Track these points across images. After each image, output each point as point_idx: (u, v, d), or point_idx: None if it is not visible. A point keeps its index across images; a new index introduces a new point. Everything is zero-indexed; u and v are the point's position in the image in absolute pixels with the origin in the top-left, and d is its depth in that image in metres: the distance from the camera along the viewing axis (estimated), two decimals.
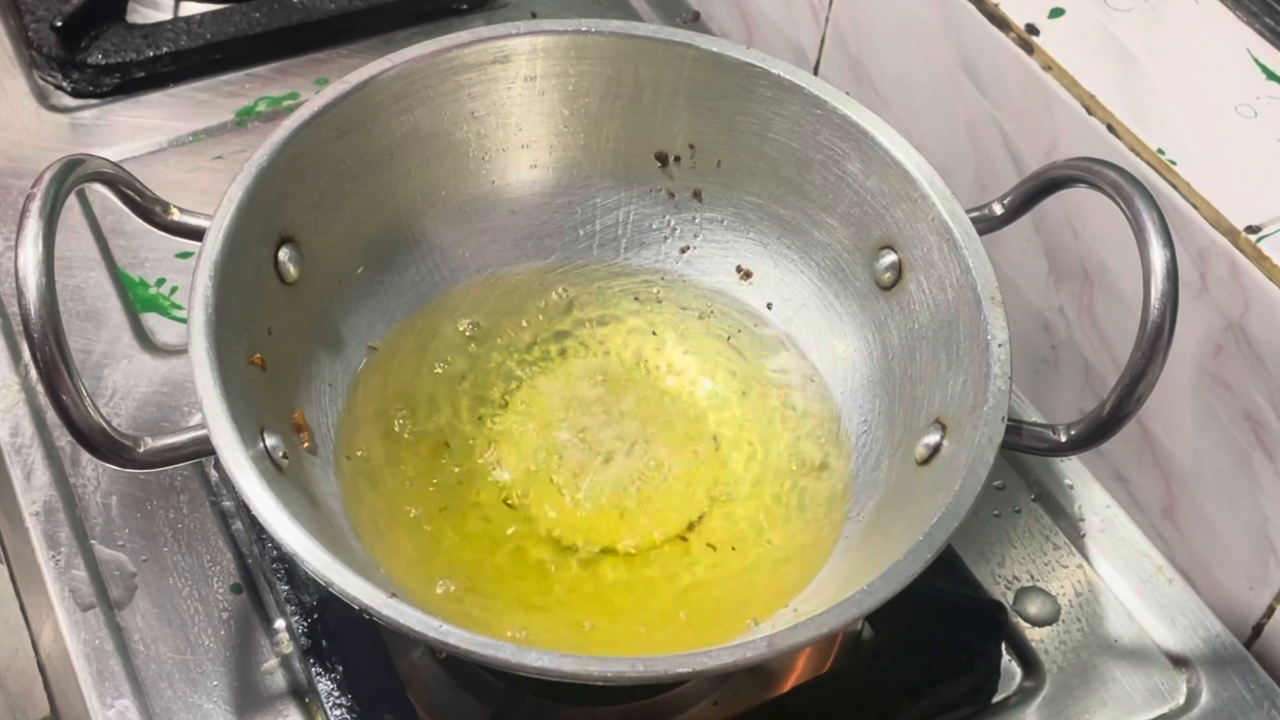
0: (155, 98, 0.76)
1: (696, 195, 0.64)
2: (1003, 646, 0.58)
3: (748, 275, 0.64)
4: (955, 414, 0.52)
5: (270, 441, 0.49)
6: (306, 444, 0.53)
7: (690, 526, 0.56)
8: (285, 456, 0.50)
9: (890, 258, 0.58)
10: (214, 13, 0.78)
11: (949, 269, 0.54)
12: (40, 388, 0.55)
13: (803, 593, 0.53)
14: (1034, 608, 0.60)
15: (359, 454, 0.56)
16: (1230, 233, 0.54)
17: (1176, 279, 0.47)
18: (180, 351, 0.64)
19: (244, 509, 0.58)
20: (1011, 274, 0.66)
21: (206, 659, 0.55)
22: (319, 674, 0.53)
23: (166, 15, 0.80)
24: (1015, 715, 0.57)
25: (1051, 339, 0.66)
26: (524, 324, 0.62)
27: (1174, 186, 0.56)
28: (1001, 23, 0.62)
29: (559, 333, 0.62)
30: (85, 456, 0.59)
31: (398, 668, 0.54)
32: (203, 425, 0.46)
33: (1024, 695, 0.57)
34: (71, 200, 0.66)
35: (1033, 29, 0.61)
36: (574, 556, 0.55)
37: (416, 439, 0.58)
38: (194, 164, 0.73)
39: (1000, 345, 0.51)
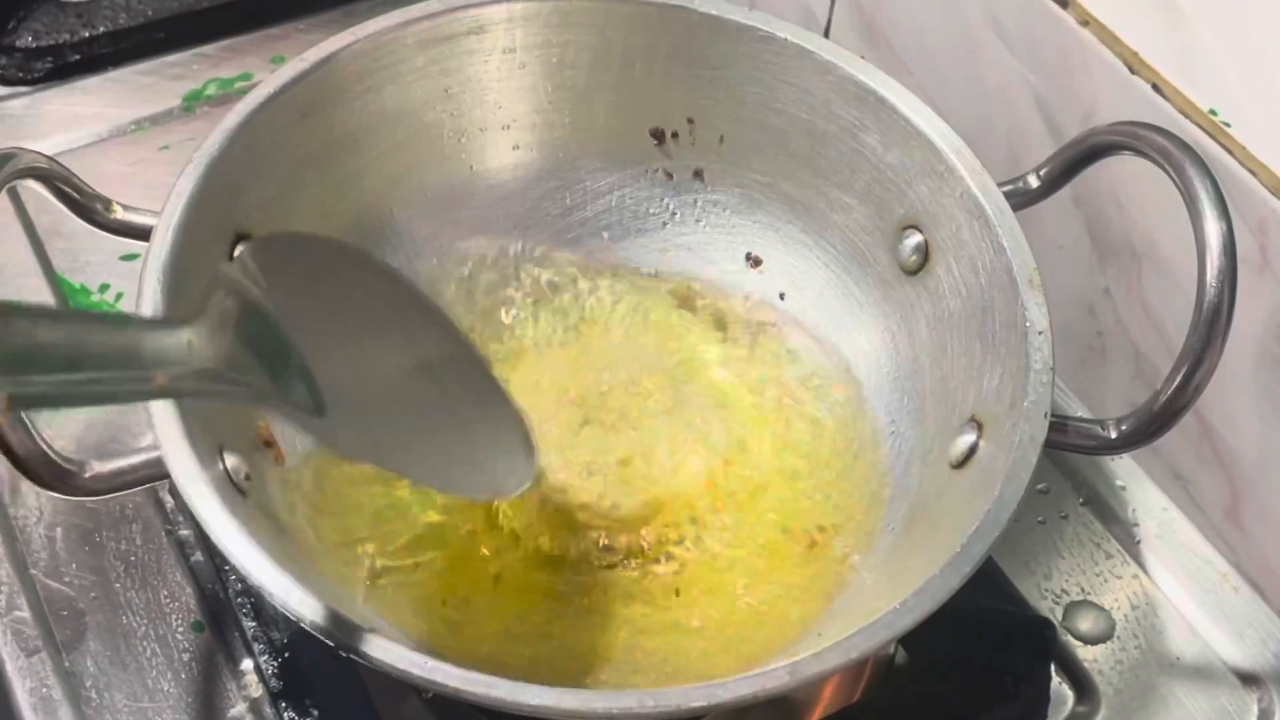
0: (92, 83, 0.76)
1: (698, 175, 0.64)
2: (1052, 668, 0.58)
3: (757, 262, 0.64)
4: (992, 411, 0.52)
5: (231, 462, 0.49)
6: (277, 458, 0.53)
7: (695, 537, 0.56)
8: (248, 478, 0.49)
9: (915, 239, 0.58)
10: None
11: (981, 250, 0.54)
12: None
13: (827, 614, 0.53)
14: (1085, 624, 0.60)
15: (333, 469, 0.56)
16: None
17: (1234, 254, 0.47)
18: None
19: (204, 538, 0.58)
20: (1050, 254, 0.66)
21: (167, 706, 0.55)
22: (292, 719, 0.53)
23: None
24: None
25: (1097, 325, 0.66)
26: (509, 320, 0.62)
27: (1228, 151, 0.56)
28: None
29: (550, 329, 0.62)
30: (26, 485, 0.59)
31: (379, 710, 0.54)
32: (155, 446, 0.46)
33: None
34: (2, 199, 0.66)
35: None
36: (571, 576, 0.55)
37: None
38: (138, 155, 0.73)
39: (1040, 333, 0.51)
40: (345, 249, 0.48)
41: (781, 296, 0.63)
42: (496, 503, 0.56)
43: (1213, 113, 0.56)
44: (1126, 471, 0.65)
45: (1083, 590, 0.61)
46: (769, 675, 0.43)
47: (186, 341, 0.36)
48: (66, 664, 0.55)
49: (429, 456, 0.45)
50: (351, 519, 0.55)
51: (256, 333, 0.38)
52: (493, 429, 0.48)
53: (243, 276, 0.39)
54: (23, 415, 0.44)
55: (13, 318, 0.32)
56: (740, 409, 0.61)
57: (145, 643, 0.56)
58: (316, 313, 0.42)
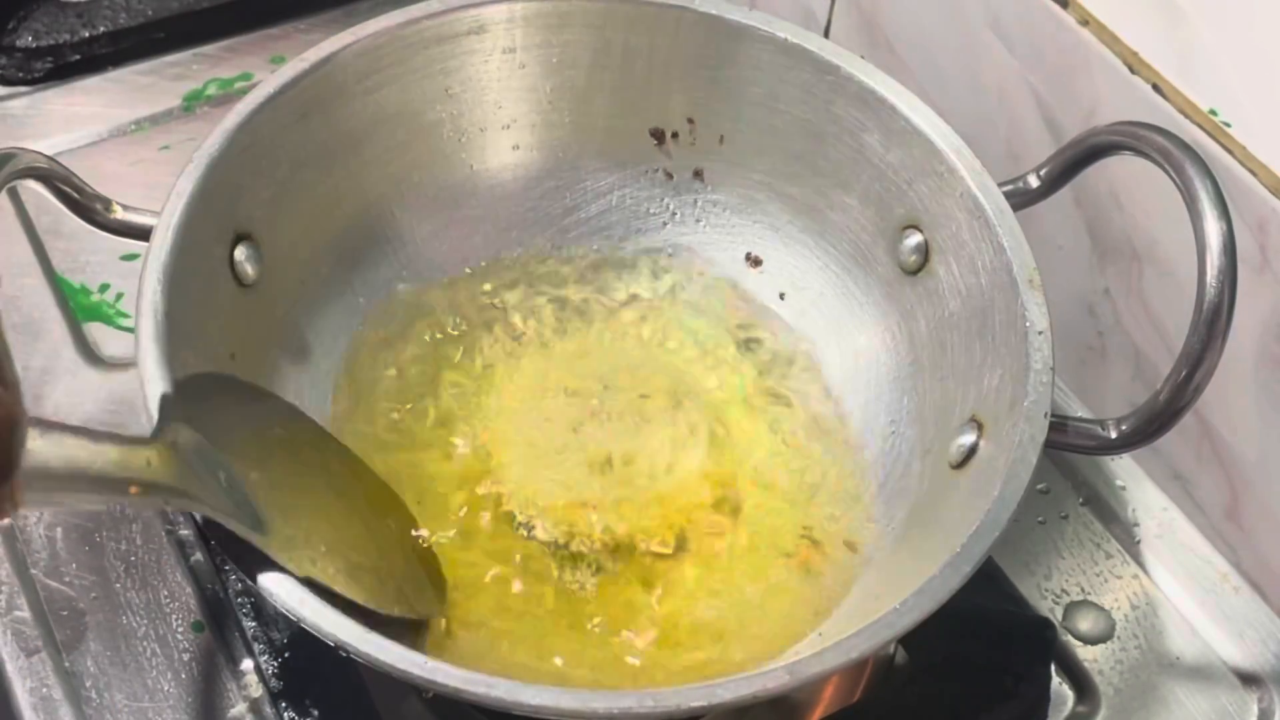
0: (93, 83, 0.76)
1: (698, 175, 0.64)
2: (1052, 668, 0.58)
3: (757, 263, 0.64)
4: (992, 411, 0.52)
5: None
6: None
7: (694, 537, 0.56)
8: None
9: (915, 239, 0.58)
10: None
11: (981, 250, 0.54)
12: None
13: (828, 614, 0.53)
14: (1086, 624, 0.60)
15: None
16: None
17: (1234, 254, 0.47)
18: (128, 364, 0.64)
19: (203, 538, 0.58)
20: (1050, 253, 0.66)
21: (166, 705, 0.55)
22: (292, 719, 0.53)
23: None
24: None
25: (1097, 325, 0.66)
26: (511, 321, 0.62)
27: (1229, 151, 0.56)
28: None
29: (550, 329, 0.62)
30: None
31: (379, 710, 0.54)
32: None
33: None
34: (2, 200, 0.66)
35: None
36: (572, 575, 0.55)
37: (397, 448, 0.58)
38: (138, 155, 0.73)
39: (1040, 333, 0.51)
40: (262, 393, 0.54)
41: (781, 296, 0.63)
42: (497, 504, 0.56)
43: (1213, 113, 0.56)
44: (1126, 471, 0.65)
45: (1083, 590, 0.61)
46: (769, 675, 0.43)
47: (146, 460, 0.41)
48: (66, 664, 0.55)
49: (358, 577, 0.48)
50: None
51: (204, 458, 0.44)
52: (408, 556, 0.54)
53: (189, 399, 0.46)
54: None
55: (35, 443, 0.37)
56: (740, 409, 0.61)
57: (145, 643, 0.56)
58: (250, 445, 0.48)
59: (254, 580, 0.44)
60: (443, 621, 0.53)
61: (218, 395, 0.50)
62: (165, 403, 0.45)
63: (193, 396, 0.46)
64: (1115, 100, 0.60)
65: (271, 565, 0.44)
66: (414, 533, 0.55)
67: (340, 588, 0.45)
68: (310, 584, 0.44)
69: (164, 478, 0.42)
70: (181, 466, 0.43)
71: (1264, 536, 0.61)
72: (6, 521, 0.38)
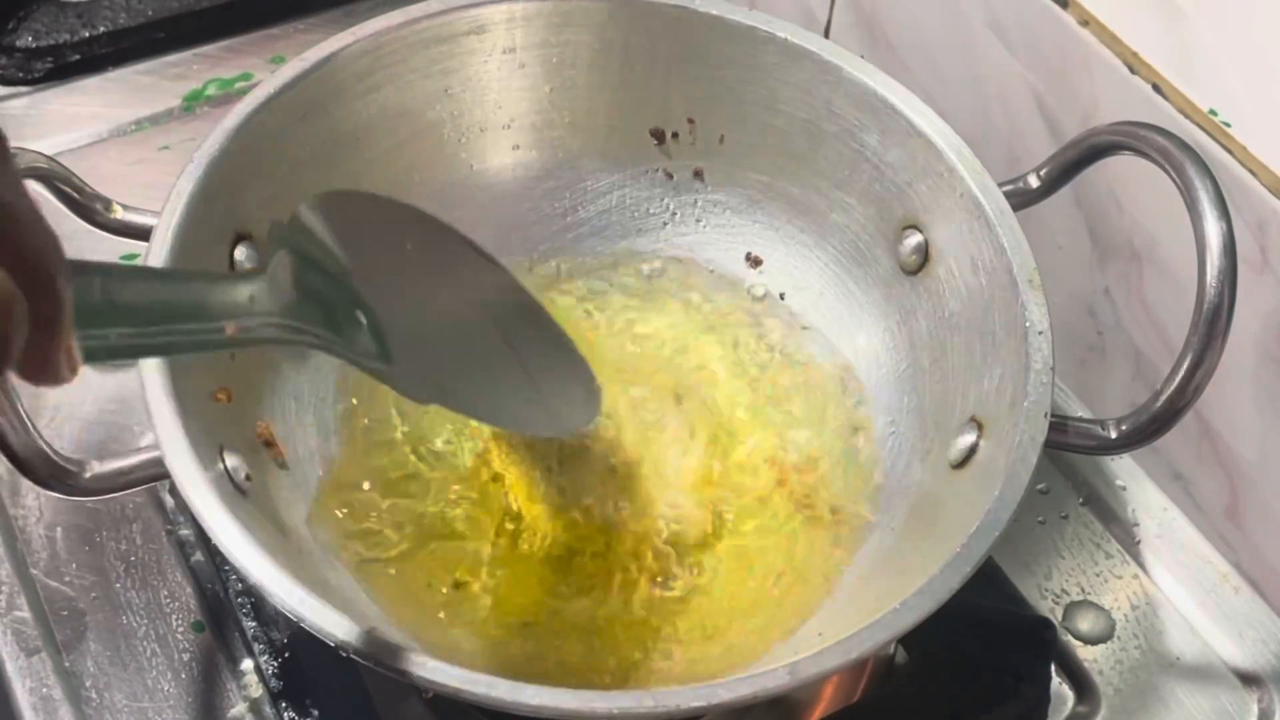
0: (92, 83, 0.76)
1: (698, 175, 0.64)
2: (1052, 668, 0.58)
3: (758, 262, 0.64)
4: (992, 411, 0.52)
5: (231, 462, 0.49)
6: (276, 457, 0.53)
7: (693, 537, 0.56)
8: (248, 478, 0.50)
9: (915, 239, 0.58)
10: None
11: (981, 250, 0.54)
12: None
13: (826, 613, 0.53)
14: (1086, 624, 0.60)
15: (338, 472, 0.56)
16: None
17: (1234, 254, 0.47)
18: (129, 364, 0.64)
19: (204, 538, 0.58)
20: (1050, 254, 0.66)
21: (167, 705, 0.55)
22: (292, 719, 0.53)
23: None
24: None
25: (1097, 325, 0.66)
26: None
27: (1229, 151, 0.56)
28: None
29: None
30: (25, 484, 0.59)
31: (379, 710, 0.54)
32: (155, 446, 0.46)
33: None
34: None
35: None
36: (573, 574, 0.55)
37: (397, 450, 0.58)
38: (138, 156, 0.73)
39: (1040, 333, 0.51)
40: (403, 207, 0.50)
41: (781, 296, 0.63)
42: (498, 503, 0.56)
43: (1213, 113, 0.56)
44: (1126, 471, 0.65)
45: (1083, 590, 0.61)
46: (769, 675, 0.43)
47: (249, 296, 0.39)
48: (66, 664, 0.56)
49: (494, 398, 0.46)
50: (355, 518, 0.55)
51: (318, 285, 0.40)
52: (555, 370, 0.50)
53: (299, 232, 0.41)
54: (23, 415, 0.44)
55: (93, 276, 0.34)
56: (740, 409, 0.61)
57: (145, 643, 0.56)
58: (378, 264, 0.44)
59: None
60: (441, 614, 0.53)
61: (341, 211, 0.45)
62: (274, 231, 0.42)
63: (309, 217, 0.43)
64: (1115, 100, 0.60)
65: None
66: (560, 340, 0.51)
67: (473, 414, 0.43)
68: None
69: (269, 314, 0.39)
70: (288, 300, 0.40)
71: (1264, 536, 0.61)
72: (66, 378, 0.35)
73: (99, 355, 0.35)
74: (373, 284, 0.42)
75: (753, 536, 0.57)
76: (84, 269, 0.34)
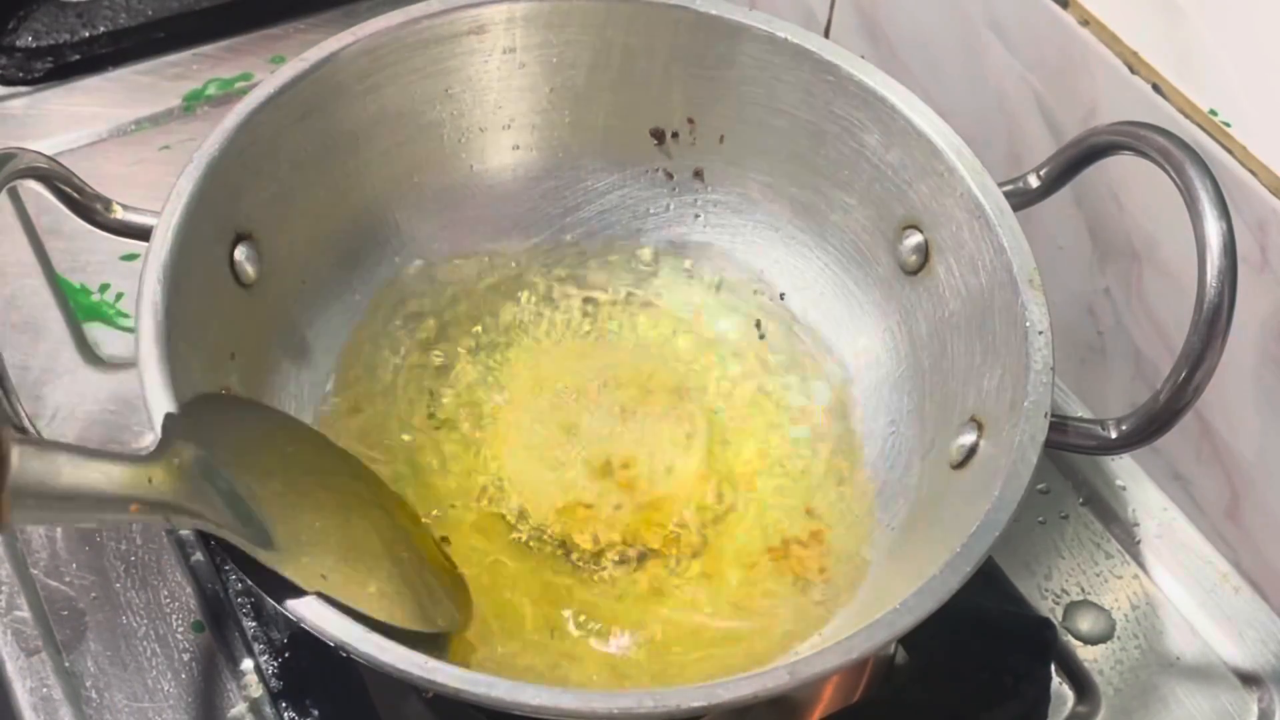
0: (92, 83, 0.76)
1: (698, 175, 0.64)
2: (1052, 668, 0.58)
3: (757, 263, 0.64)
4: (992, 411, 0.52)
5: None
6: None
7: (693, 538, 0.56)
8: None
9: (915, 239, 0.58)
10: None
11: (981, 249, 0.54)
12: None
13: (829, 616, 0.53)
14: (1086, 624, 0.60)
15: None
16: None
17: (1234, 254, 0.47)
18: (128, 364, 0.64)
19: (204, 538, 0.58)
20: (1051, 253, 0.66)
21: (167, 705, 0.55)
22: (292, 719, 0.53)
23: None
24: None
25: (1097, 324, 0.66)
26: (509, 320, 0.62)
27: (1229, 151, 0.56)
28: None
29: (549, 328, 0.62)
30: None
31: (379, 710, 0.54)
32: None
33: None
34: (2, 199, 0.66)
35: None
36: (570, 575, 0.55)
37: (398, 450, 0.58)
38: (138, 155, 0.73)
39: (1040, 333, 0.51)
40: (271, 412, 0.54)
41: (781, 296, 0.63)
42: (494, 504, 0.57)
43: (1213, 113, 0.56)
44: (1126, 471, 0.65)
45: (1083, 590, 0.61)
46: (769, 675, 0.43)
47: (148, 479, 0.41)
48: (66, 664, 0.55)
49: (373, 590, 0.48)
50: None
51: (208, 472, 0.43)
52: (421, 570, 0.52)
53: (193, 422, 0.45)
54: (23, 415, 0.44)
55: (31, 459, 0.38)
56: (739, 409, 0.61)
57: (145, 643, 0.56)
58: (255, 461, 0.48)
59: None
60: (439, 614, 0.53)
61: (222, 413, 0.50)
62: (169, 421, 0.45)
63: (197, 414, 0.46)
64: (1115, 100, 0.60)
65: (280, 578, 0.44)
66: (427, 543, 0.54)
67: (352, 602, 0.45)
68: (322, 598, 0.44)
69: (167, 495, 0.42)
70: (185, 483, 0.42)
71: (1264, 536, 0.61)
72: None
73: (21, 520, 0.38)
74: (253, 476, 0.46)
75: (751, 540, 0.57)
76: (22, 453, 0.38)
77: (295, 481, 0.49)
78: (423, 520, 0.55)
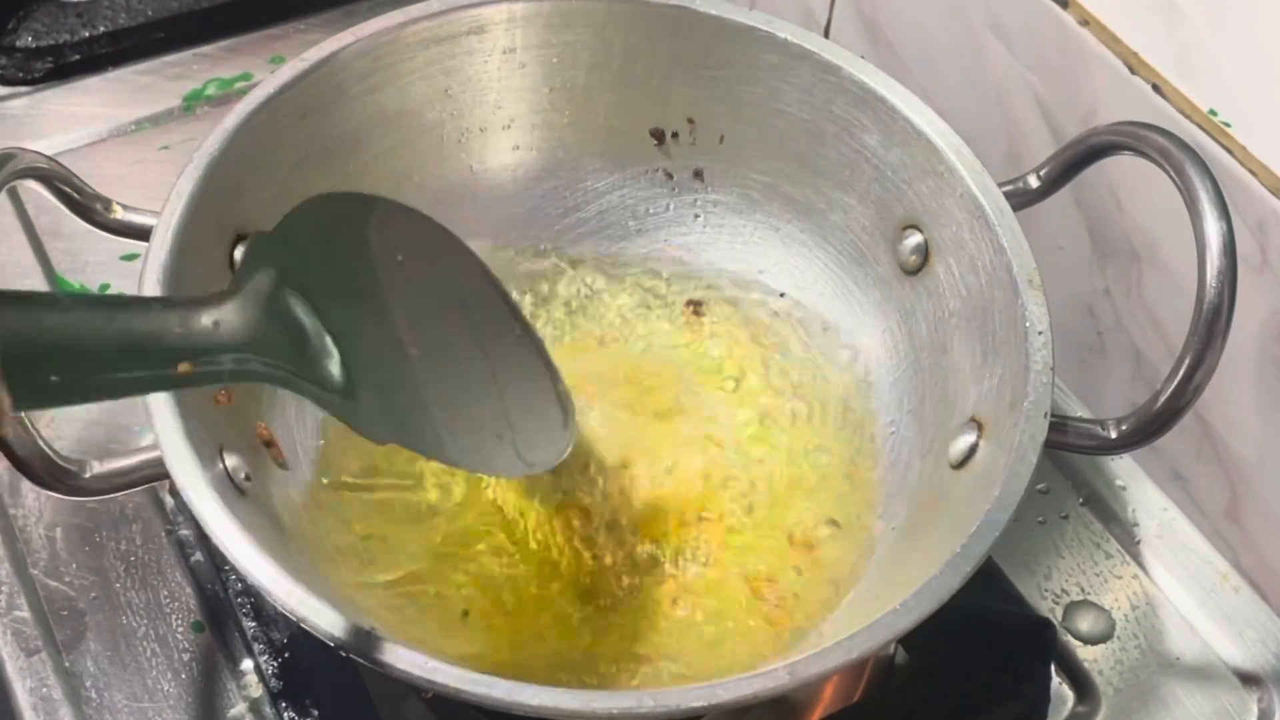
0: (92, 83, 0.76)
1: (698, 175, 0.64)
2: (1052, 668, 0.58)
3: (757, 263, 0.64)
4: (992, 411, 0.52)
5: (231, 462, 0.49)
6: (277, 458, 0.53)
7: (693, 538, 0.56)
8: (248, 478, 0.49)
9: (915, 239, 0.58)
10: None
11: (981, 250, 0.54)
12: None
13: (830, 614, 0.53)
14: (1086, 624, 0.60)
15: (338, 472, 0.56)
16: None
17: (1234, 254, 0.47)
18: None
19: (204, 538, 0.58)
20: (1050, 254, 0.66)
21: (166, 705, 0.55)
22: (292, 719, 0.53)
23: None
24: None
25: (1097, 325, 0.66)
26: None
27: (1229, 151, 0.56)
28: None
29: (549, 329, 0.62)
30: (25, 485, 0.59)
31: (379, 710, 0.54)
32: (155, 446, 0.46)
33: None
34: (2, 199, 0.66)
35: None
36: (570, 578, 0.55)
37: (398, 450, 0.58)
38: (138, 155, 0.73)
39: (1040, 333, 0.51)
40: (401, 209, 0.47)
41: (781, 296, 0.63)
42: (500, 504, 0.56)
43: (1213, 113, 0.56)
44: (1126, 471, 0.65)
45: (1083, 590, 0.61)
46: (769, 675, 0.43)
47: (213, 323, 0.36)
48: (66, 664, 0.55)
49: (462, 435, 0.43)
50: (355, 522, 0.55)
51: (286, 310, 0.38)
52: (532, 401, 0.47)
53: (283, 243, 0.39)
54: (23, 415, 0.44)
55: (19, 308, 0.30)
56: (739, 410, 0.61)
57: (145, 643, 0.56)
58: (364, 279, 0.41)
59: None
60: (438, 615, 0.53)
61: (332, 218, 0.43)
62: (255, 245, 0.39)
63: (300, 223, 0.40)
64: (1115, 100, 0.60)
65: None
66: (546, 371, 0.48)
67: (433, 454, 0.41)
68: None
69: (234, 339, 0.36)
70: (258, 324, 0.37)
71: (1264, 536, 0.61)
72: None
73: (31, 400, 0.32)
74: (353, 304, 0.40)
75: (751, 540, 0.57)
76: (5, 300, 0.31)
77: (405, 300, 0.43)
78: (544, 349, 0.50)
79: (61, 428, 0.62)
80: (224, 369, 0.37)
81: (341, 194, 0.47)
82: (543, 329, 0.63)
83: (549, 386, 0.49)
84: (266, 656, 0.55)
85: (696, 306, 0.64)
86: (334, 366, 0.39)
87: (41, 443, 0.44)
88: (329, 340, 0.39)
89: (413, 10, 0.58)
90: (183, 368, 0.35)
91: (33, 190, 0.50)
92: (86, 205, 0.51)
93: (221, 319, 0.36)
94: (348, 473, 0.56)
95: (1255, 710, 0.58)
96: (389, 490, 0.57)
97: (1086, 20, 0.60)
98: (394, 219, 0.46)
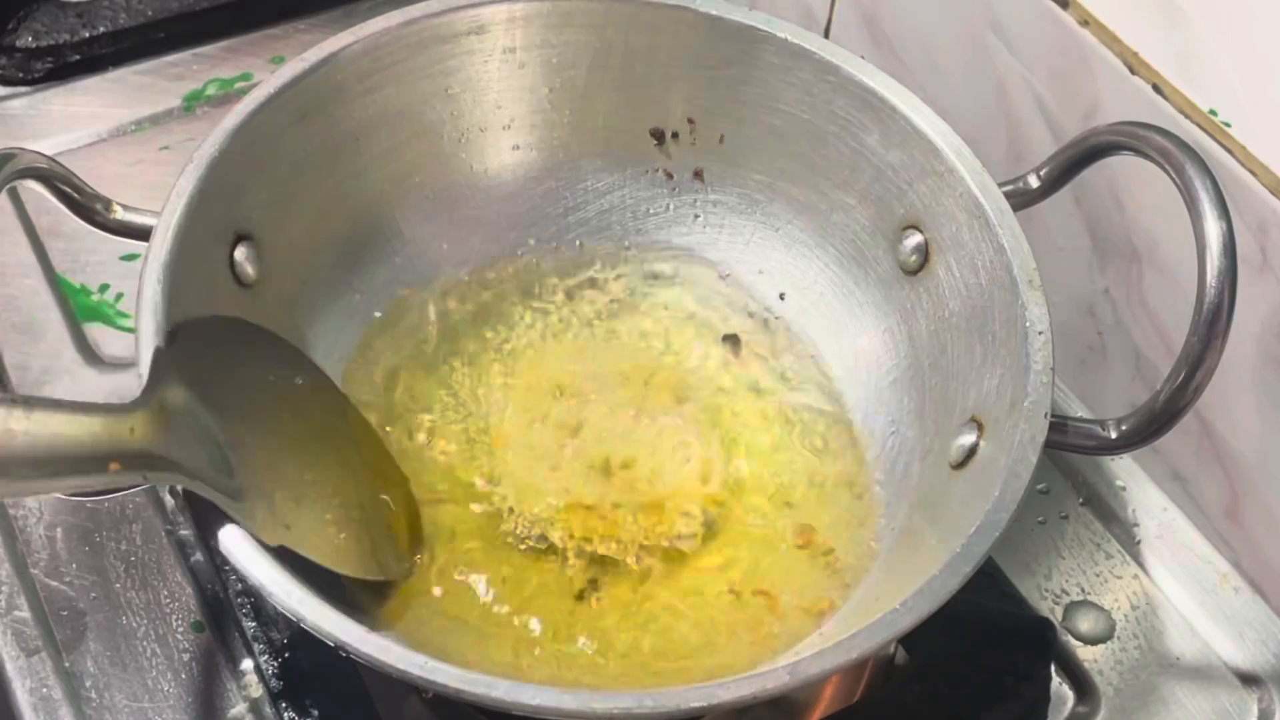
0: (92, 83, 0.76)
1: (698, 175, 0.64)
2: (1052, 668, 0.58)
3: (757, 263, 0.64)
4: (992, 411, 0.52)
5: None
6: None
7: (694, 538, 0.56)
8: None
9: (915, 239, 0.58)
10: None
11: (981, 250, 0.54)
12: None
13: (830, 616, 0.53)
14: (1086, 624, 0.60)
15: None
16: None
17: (1234, 254, 0.47)
18: (128, 365, 0.64)
19: (204, 538, 0.58)
20: (1051, 254, 0.66)
21: (166, 706, 0.55)
22: (292, 719, 0.53)
23: None
24: None
25: (1097, 325, 0.66)
26: (510, 321, 0.62)
27: (1229, 151, 0.56)
28: None
29: (550, 329, 0.62)
30: None
31: (379, 710, 0.54)
32: None
33: None
34: (2, 199, 0.66)
35: None
36: (570, 577, 0.55)
37: (400, 450, 0.58)
38: (138, 156, 0.73)
39: (1040, 333, 0.51)
40: (260, 332, 0.52)
41: (781, 297, 0.63)
42: (492, 505, 0.56)
43: (1213, 113, 0.56)
44: (1126, 471, 0.65)
45: (1083, 590, 0.61)
46: (769, 675, 0.43)
47: (129, 429, 0.40)
48: (66, 664, 0.55)
49: (331, 539, 0.48)
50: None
51: (193, 419, 0.42)
52: (383, 516, 0.52)
53: (182, 356, 0.44)
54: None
55: None
56: (739, 409, 0.61)
57: (145, 643, 0.56)
58: (244, 396, 0.46)
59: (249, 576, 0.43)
60: (439, 615, 0.53)
61: (215, 342, 0.48)
62: (159, 358, 0.44)
63: (189, 344, 0.45)
64: (1115, 100, 0.60)
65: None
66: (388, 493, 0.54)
67: (312, 553, 0.44)
68: (282, 551, 0.43)
69: (149, 446, 0.40)
70: (166, 433, 0.41)
71: (1264, 536, 0.61)
72: None
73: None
74: (244, 417, 0.45)
75: (751, 540, 0.57)
76: None
77: (281, 424, 0.48)
78: (401, 473, 0.56)
79: None
80: (143, 470, 0.41)
81: (230, 318, 0.51)
82: (542, 329, 0.63)
83: (404, 502, 0.54)
84: (266, 656, 0.55)
85: (697, 307, 0.64)
86: (228, 473, 0.43)
87: None
88: (224, 450, 0.43)
89: (413, 10, 0.58)
90: (113, 465, 0.39)
91: (33, 190, 0.50)
92: (86, 205, 0.51)
93: (136, 426, 0.40)
94: None
95: (1255, 710, 0.58)
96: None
97: (1086, 20, 0.60)
98: (259, 338, 0.52)
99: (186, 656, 0.56)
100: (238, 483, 0.43)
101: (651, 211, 0.64)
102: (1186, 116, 0.57)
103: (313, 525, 0.46)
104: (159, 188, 0.52)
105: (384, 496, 0.53)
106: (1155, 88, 0.58)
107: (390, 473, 0.55)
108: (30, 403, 0.37)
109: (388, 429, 0.58)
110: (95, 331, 0.66)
